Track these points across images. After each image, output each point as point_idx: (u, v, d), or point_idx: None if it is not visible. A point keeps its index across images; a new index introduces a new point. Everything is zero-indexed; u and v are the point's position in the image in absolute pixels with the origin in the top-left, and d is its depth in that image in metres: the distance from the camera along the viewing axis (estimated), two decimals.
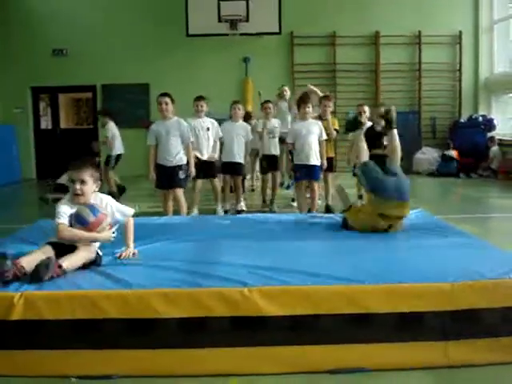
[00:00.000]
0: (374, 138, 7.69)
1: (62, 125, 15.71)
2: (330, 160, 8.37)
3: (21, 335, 3.21)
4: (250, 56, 14.40)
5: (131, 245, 4.22)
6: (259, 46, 14.30)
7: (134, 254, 4.16)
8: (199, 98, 8.18)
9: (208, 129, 8.08)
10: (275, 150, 9.03)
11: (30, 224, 5.52)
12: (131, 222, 4.29)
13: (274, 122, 9.08)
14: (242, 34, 13.74)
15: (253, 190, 10.93)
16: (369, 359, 3.26)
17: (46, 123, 15.78)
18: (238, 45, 14.07)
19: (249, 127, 8.59)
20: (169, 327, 3.24)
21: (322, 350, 3.26)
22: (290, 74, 14.56)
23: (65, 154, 13.19)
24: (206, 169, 8.06)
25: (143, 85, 14.34)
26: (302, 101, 7.98)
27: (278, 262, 3.80)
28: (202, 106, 8.05)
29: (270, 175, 9.15)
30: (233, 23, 13.46)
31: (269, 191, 9.18)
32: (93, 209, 3.99)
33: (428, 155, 14.19)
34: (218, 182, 8.41)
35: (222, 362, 3.24)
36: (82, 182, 4.05)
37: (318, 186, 8.01)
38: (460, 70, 14.80)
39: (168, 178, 7.09)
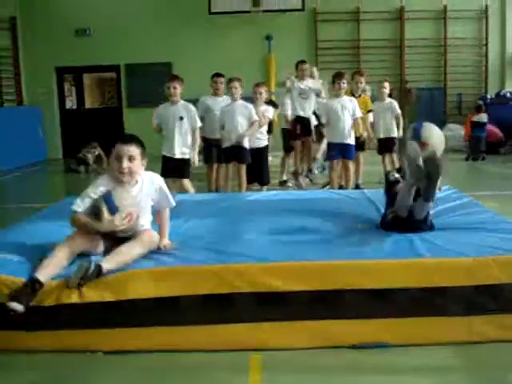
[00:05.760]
0: None
1: (87, 105, 15.82)
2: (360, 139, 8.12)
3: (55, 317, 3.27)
4: (272, 33, 14.28)
5: (166, 236, 3.84)
6: (282, 23, 14.17)
7: (170, 245, 3.76)
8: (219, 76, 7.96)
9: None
10: (309, 111, 8.57)
11: (56, 202, 5.60)
12: (168, 212, 3.91)
13: (308, 82, 8.58)
14: (264, 11, 13.63)
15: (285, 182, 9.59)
16: (392, 334, 3.27)
17: (70, 103, 15.92)
18: (260, 22, 13.96)
19: (250, 106, 7.44)
20: (193, 304, 3.28)
21: (345, 324, 3.29)
22: (314, 51, 14.43)
23: (90, 133, 13.32)
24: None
25: (166, 63, 14.31)
26: (337, 76, 7.67)
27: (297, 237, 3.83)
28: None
29: (299, 143, 8.79)
30: (255, 0, 13.34)
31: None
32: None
33: (453, 132, 14.00)
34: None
35: (245, 338, 3.28)
36: (131, 158, 3.58)
37: (352, 165, 7.81)
38: (486, 44, 14.54)
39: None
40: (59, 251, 3.36)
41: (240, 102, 7.39)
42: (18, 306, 3.07)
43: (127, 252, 3.41)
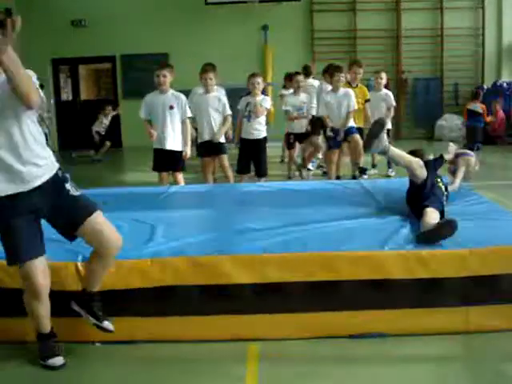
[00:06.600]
0: None
1: (83, 96, 15.77)
2: (359, 129, 8.03)
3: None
4: (269, 24, 14.24)
5: None
6: (278, 13, 14.12)
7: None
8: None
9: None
10: (303, 128, 8.52)
11: None
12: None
13: (303, 98, 8.46)
14: (260, 1, 13.59)
15: (282, 161, 10.30)
16: (389, 325, 3.28)
17: (66, 95, 15.85)
18: (256, 12, 13.90)
19: (224, 99, 7.11)
20: (192, 294, 3.30)
21: (342, 315, 3.29)
22: (310, 41, 14.40)
23: (85, 125, 13.26)
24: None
25: (162, 54, 14.23)
26: (337, 68, 7.62)
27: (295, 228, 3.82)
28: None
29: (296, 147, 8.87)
30: None
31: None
32: None
33: (450, 122, 14.00)
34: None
35: (244, 328, 3.29)
36: None
37: (359, 138, 7.62)
38: (483, 35, 14.51)
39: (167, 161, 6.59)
40: None
41: (214, 94, 7.06)
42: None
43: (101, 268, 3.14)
